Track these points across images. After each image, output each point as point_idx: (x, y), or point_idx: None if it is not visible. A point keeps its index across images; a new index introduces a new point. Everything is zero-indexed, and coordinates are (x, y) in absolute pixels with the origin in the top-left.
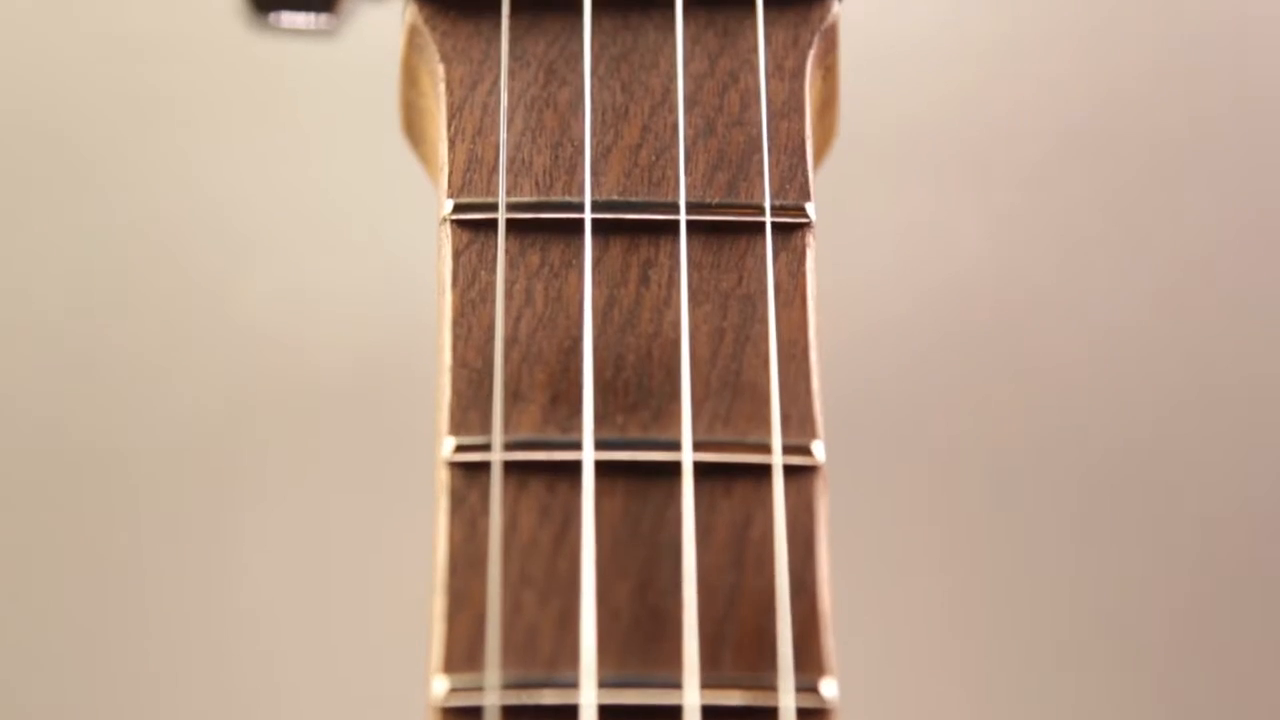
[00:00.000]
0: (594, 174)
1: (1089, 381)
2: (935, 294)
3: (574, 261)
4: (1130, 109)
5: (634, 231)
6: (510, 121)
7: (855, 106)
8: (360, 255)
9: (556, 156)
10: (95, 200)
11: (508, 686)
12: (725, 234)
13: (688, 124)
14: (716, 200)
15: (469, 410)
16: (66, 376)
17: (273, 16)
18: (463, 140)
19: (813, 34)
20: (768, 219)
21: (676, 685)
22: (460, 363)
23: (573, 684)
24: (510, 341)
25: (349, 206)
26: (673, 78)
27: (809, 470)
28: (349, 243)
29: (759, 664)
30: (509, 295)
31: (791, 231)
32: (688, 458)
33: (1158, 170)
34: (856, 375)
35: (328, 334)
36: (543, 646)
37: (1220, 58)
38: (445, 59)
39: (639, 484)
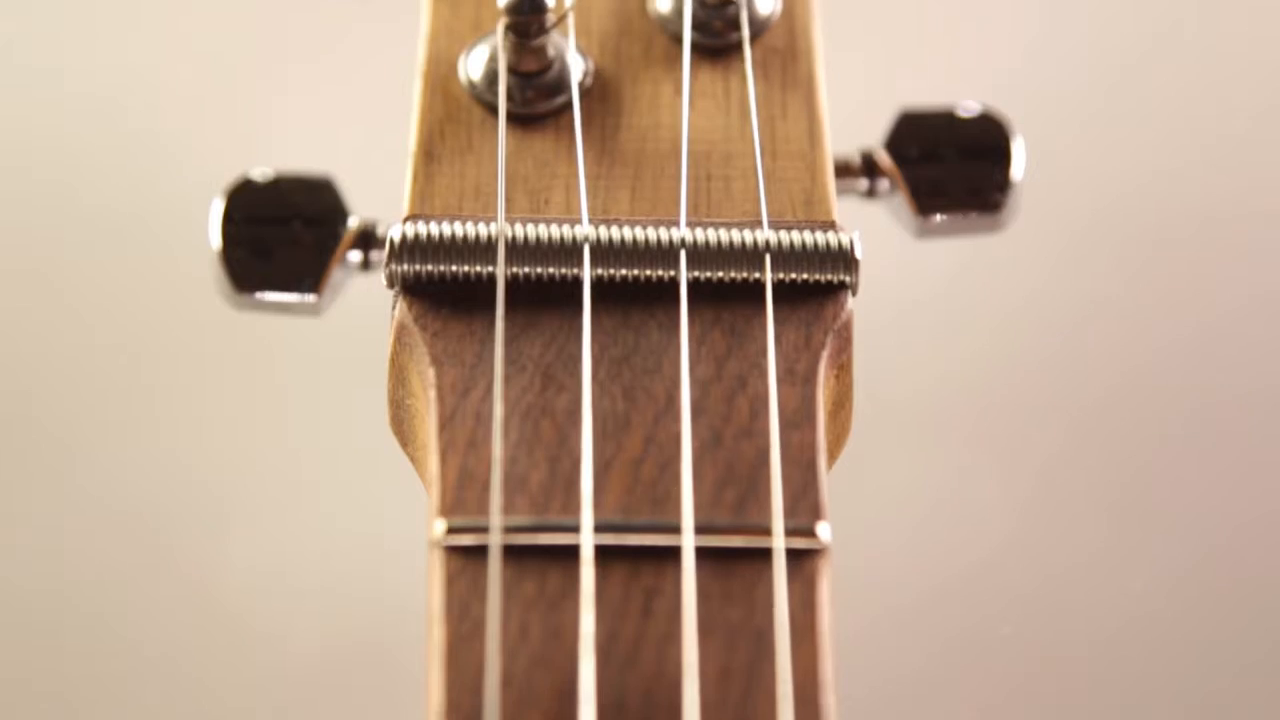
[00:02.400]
0: (594, 491)
1: (1119, 668)
2: (958, 578)
3: (572, 591)
4: (1158, 380)
5: (636, 557)
6: (505, 432)
7: (872, 374)
8: (339, 529)
9: (554, 472)
10: (69, 467)
11: None
12: (733, 560)
13: (694, 434)
14: (724, 522)
15: None
16: (36, 647)
17: (256, 294)
18: (454, 453)
19: (826, 333)
20: (778, 545)
21: None
22: (453, 706)
23: None
24: (504, 682)
25: (329, 478)
26: (677, 383)
27: None
28: (328, 515)
29: None
30: (504, 629)
31: (804, 558)
32: None
33: (1186, 443)
34: (874, 673)
35: (303, 610)
36: None
37: (1244, 326)
38: (436, 362)
39: None
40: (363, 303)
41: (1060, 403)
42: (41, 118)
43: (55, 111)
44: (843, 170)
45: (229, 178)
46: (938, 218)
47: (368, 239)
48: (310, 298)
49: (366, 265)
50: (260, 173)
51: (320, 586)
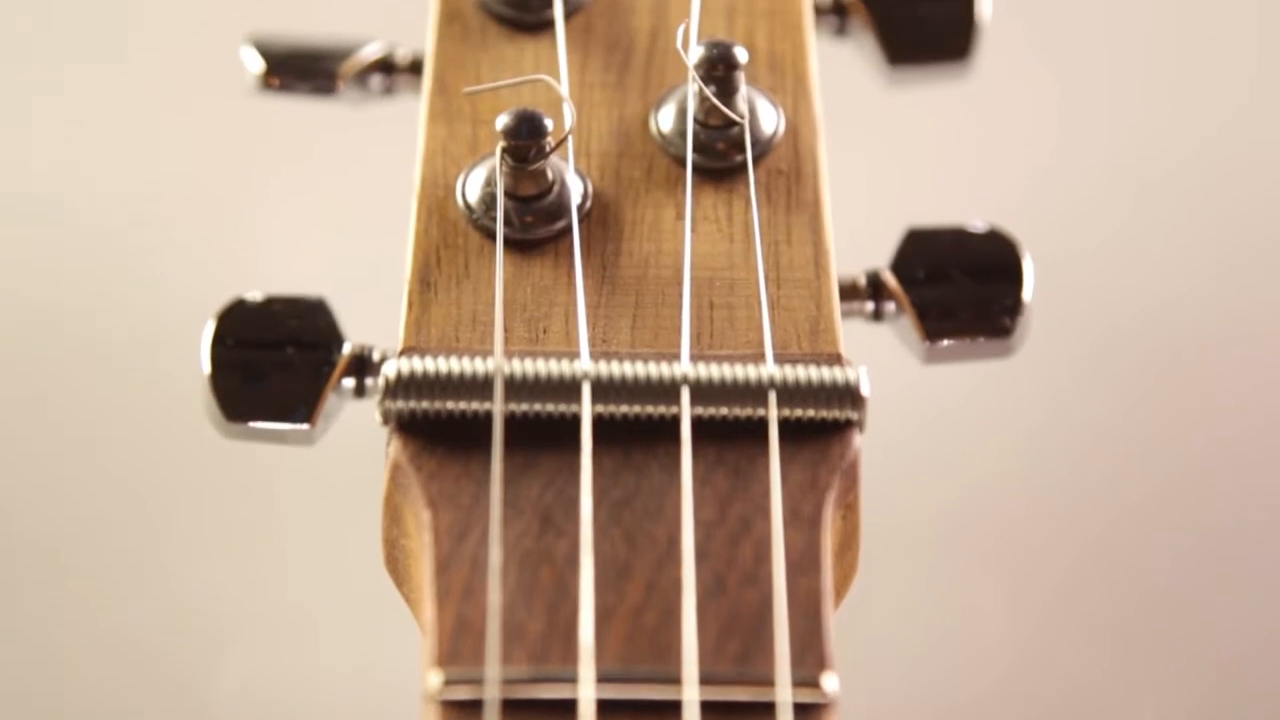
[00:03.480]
0: (594, 641)
1: None
2: (965, 705)
3: None
4: (1166, 506)
5: (637, 710)
6: (503, 578)
7: (876, 497)
8: (334, 658)
9: (552, 621)
10: (65, 591)
11: None
12: (737, 714)
13: (697, 581)
14: (727, 674)
15: None
16: None
17: (248, 423)
18: (450, 601)
19: (832, 473)
20: (783, 699)
21: None
22: None
23: None
24: None
25: (325, 604)
26: (680, 526)
27: None
28: (324, 644)
29: None
30: None
31: (810, 712)
32: None
33: (1196, 569)
34: None
35: None
36: None
37: (1255, 450)
38: (431, 504)
39: None
40: (363, 422)
41: (1068, 529)
42: (37, 243)
43: (51, 237)
44: (848, 292)
45: (223, 299)
46: (945, 343)
47: (363, 365)
48: (303, 426)
49: (361, 392)
50: (253, 295)
51: (313, 716)
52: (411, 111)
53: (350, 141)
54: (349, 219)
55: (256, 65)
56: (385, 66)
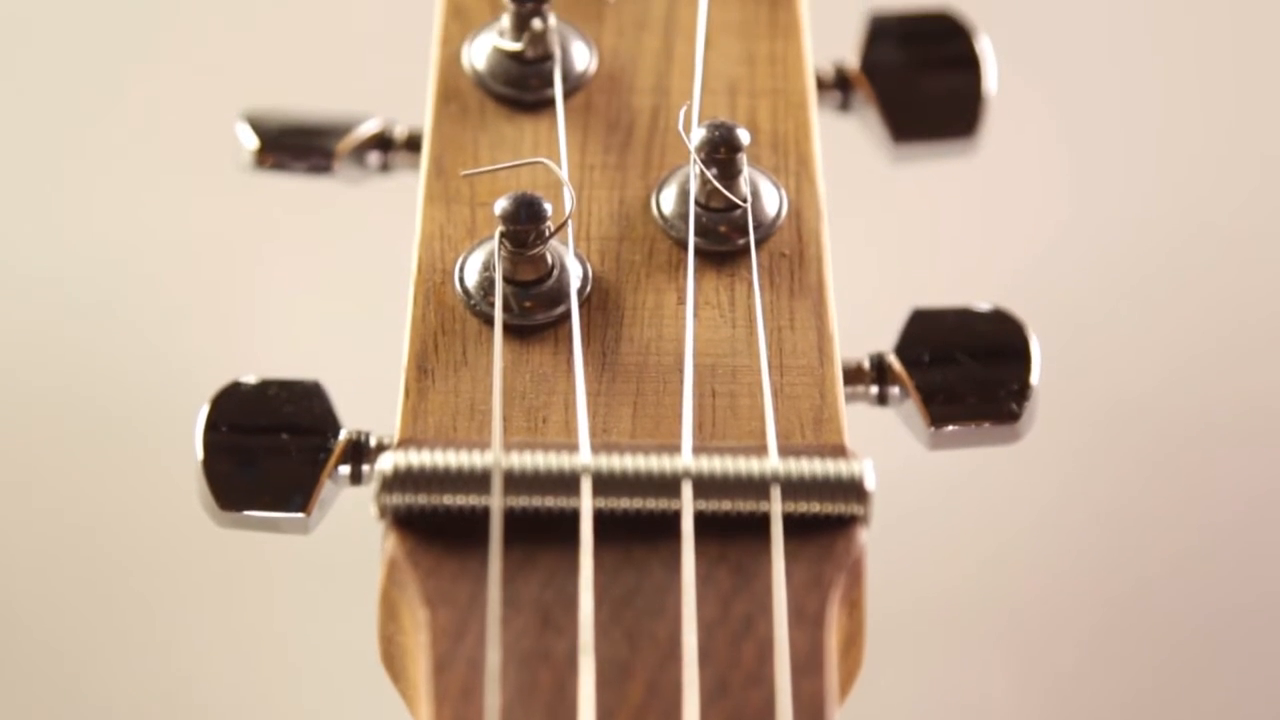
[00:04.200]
0: None
1: None
2: None
3: None
4: (1173, 587)
5: None
6: (501, 679)
7: (882, 578)
8: None
9: None
10: (60, 678)
11: None
12: None
13: (699, 682)
14: None
15: None
16: None
17: (242, 512)
18: (447, 702)
19: (837, 570)
20: None
21: None
22: None
23: None
24: None
25: (320, 695)
26: (681, 625)
27: None
28: None
29: None
30: None
31: None
32: None
33: (1205, 651)
34: None
35: None
36: None
37: (1264, 531)
38: (429, 602)
39: None
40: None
41: (1076, 610)
42: (30, 322)
43: (45, 315)
44: (852, 376)
45: (219, 377)
46: (950, 428)
47: (359, 451)
48: (299, 515)
49: (357, 479)
50: (248, 378)
51: None
52: (410, 186)
53: (347, 216)
54: (346, 295)
55: (250, 143)
56: (382, 143)
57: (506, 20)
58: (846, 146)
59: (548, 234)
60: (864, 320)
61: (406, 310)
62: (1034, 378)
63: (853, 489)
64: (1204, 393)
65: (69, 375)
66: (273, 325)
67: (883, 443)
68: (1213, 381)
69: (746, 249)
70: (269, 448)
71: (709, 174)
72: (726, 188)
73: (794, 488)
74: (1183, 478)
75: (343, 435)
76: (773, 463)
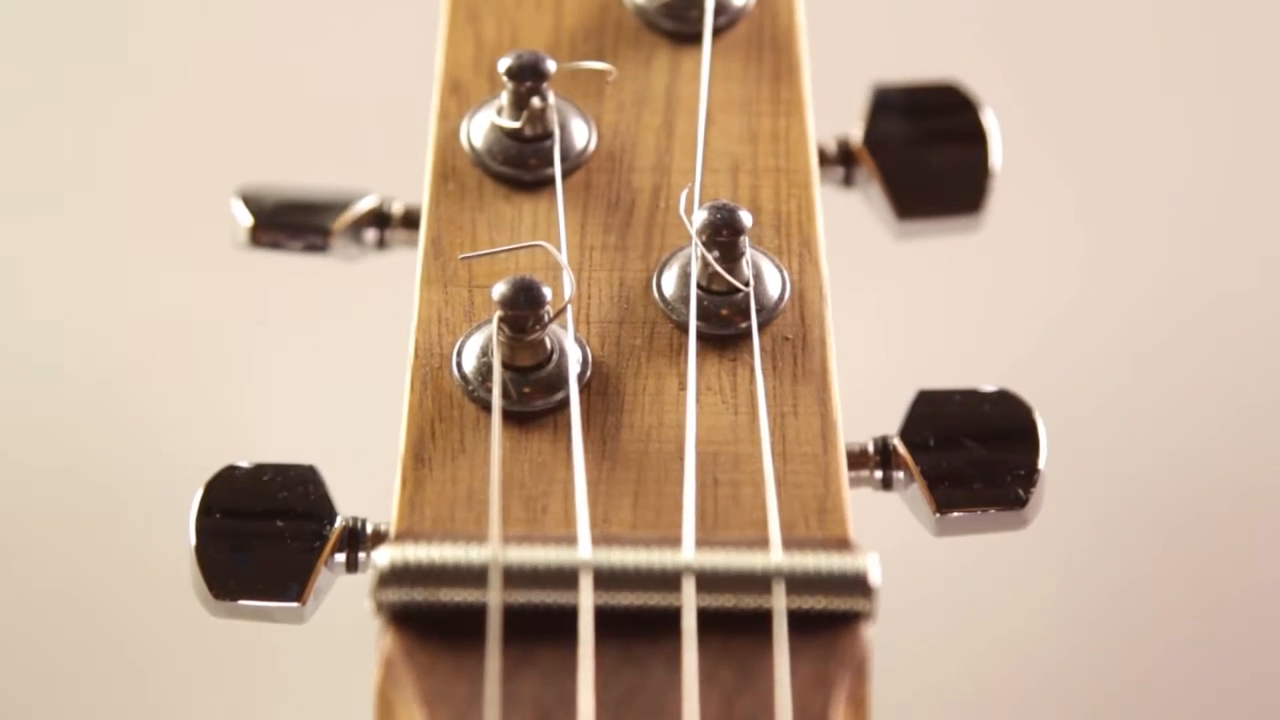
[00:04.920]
0: None
1: None
2: None
3: None
4: (1185, 671)
5: None
6: None
7: (886, 666)
8: None
9: None
10: None
11: None
12: None
13: None
14: None
15: None
16: None
17: (237, 602)
18: None
19: (842, 668)
20: None
21: None
22: None
23: None
24: None
25: None
26: None
27: None
28: None
29: None
30: None
31: None
32: None
33: None
34: None
35: None
36: None
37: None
38: (426, 701)
39: None
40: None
41: (1086, 695)
42: (23, 403)
43: (35, 395)
44: (856, 460)
45: (214, 456)
46: (956, 515)
47: (355, 538)
48: (294, 605)
49: (354, 567)
50: (242, 463)
51: None
52: (408, 261)
53: (345, 292)
54: (344, 372)
55: (246, 220)
56: (379, 219)
57: (505, 98)
58: (848, 220)
59: (547, 319)
60: (868, 397)
61: (403, 396)
62: (1042, 462)
63: (858, 585)
64: (1213, 472)
65: (60, 455)
66: (269, 404)
67: (886, 524)
68: (1222, 460)
69: (749, 333)
70: (264, 535)
71: (710, 257)
72: (729, 271)
73: (798, 584)
74: (1193, 558)
75: (339, 522)
76: (776, 558)
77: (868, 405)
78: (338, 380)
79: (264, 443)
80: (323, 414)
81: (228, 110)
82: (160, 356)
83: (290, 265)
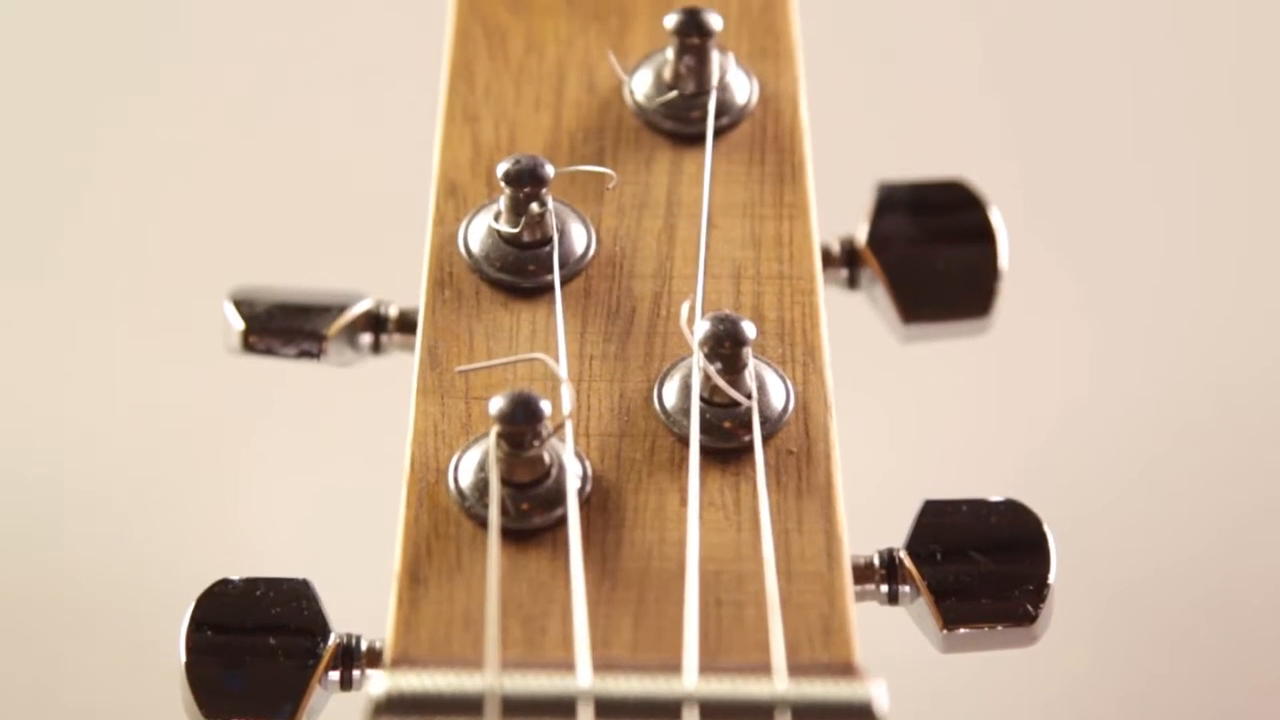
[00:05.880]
0: None
1: None
2: None
3: None
4: None
5: None
6: None
7: None
8: None
9: None
10: None
11: None
12: None
13: None
14: None
15: None
16: None
17: None
18: None
19: None
20: None
21: None
22: None
23: None
24: None
25: None
26: None
27: None
28: None
29: None
30: None
31: None
32: None
33: None
34: None
35: None
36: None
37: None
38: None
39: None
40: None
41: None
42: (20, 514)
43: (33, 507)
44: (862, 575)
45: (204, 573)
46: (964, 630)
47: (350, 656)
48: None
49: (348, 684)
50: (235, 578)
51: None
52: (404, 364)
53: (340, 396)
54: (338, 479)
55: (237, 325)
56: (375, 323)
57: (503, 202)
58: (852, 318)
59: (546, 434)
60: (874, 501)
61: (399, 511)
62: (1052, 575)
63: (864, 714)
64: (1223, 576)
65: (51, 567)
66: (262, 512)
67: (890, 632)
68: (1232, 565)
69: (752, 446)
70: (256, 651)
71: (711, 371)
72: (731, 383)
73: (803, 713)
74: (1202, 664)
75: (332, 639)
76: (780, 687)
77: (873, 509)
78: (333, 486)
79: (258, 551)
80: (318, 523)
81: (223, 207)
82: (151, 465)
83: (286, 366)
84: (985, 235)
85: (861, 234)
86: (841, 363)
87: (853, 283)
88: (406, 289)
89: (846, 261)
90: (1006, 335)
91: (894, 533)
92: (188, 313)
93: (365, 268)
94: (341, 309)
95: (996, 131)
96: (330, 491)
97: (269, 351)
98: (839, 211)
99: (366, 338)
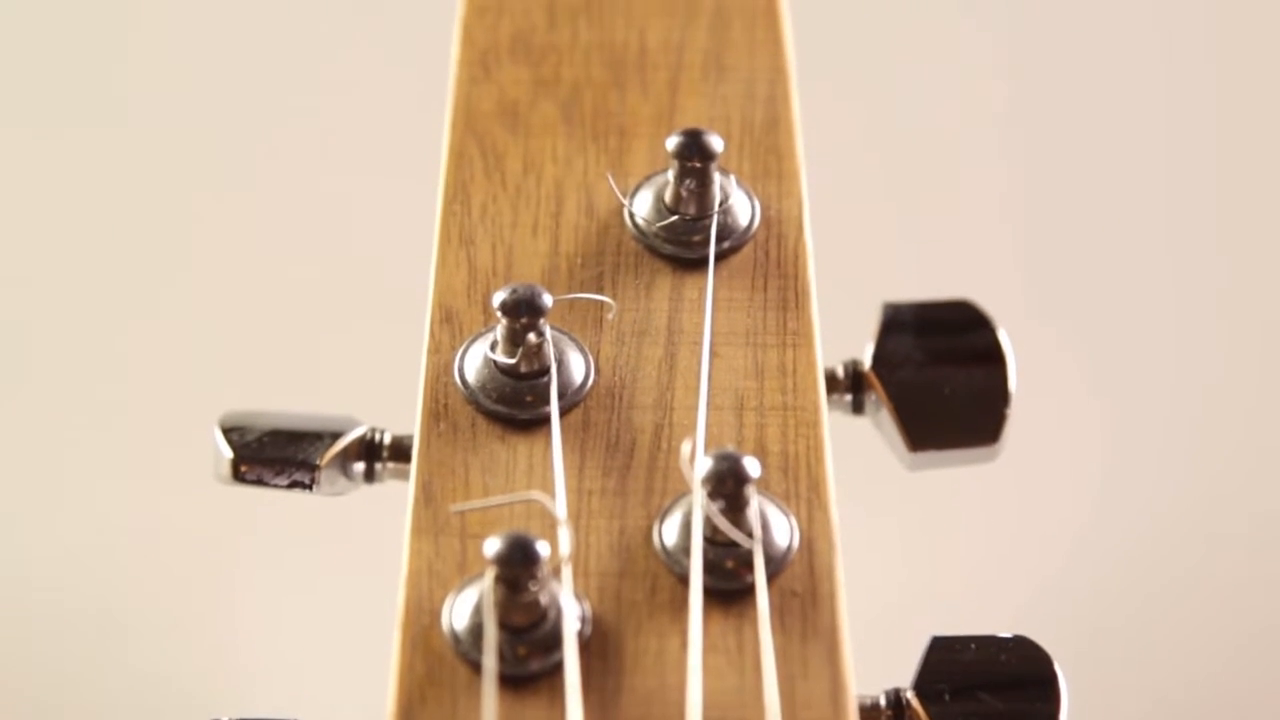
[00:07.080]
0: None
1: None
2: None
3: None
4: None
5: None
6: None
7: None
8: None
9: None
10: None
11: None
12: None
13: None
14: None
15: None
16: None
17: None
18: None
19: None
20: None
21: None
22: None
23: None
24: None
25: None
26: None
27: None
28: None
29: None
30: None
31: None
32: None
33: None
34: None
35: None
36: None
37: None
38: None
39: None
40: None
41: None
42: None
43: (17, 634)
44: (868, 717)
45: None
46: None
47: None
48: None
49: None
50: (226, 718)
51: None
52: (399, 492)
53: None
54: (331, 613)
55: (227, 453)
56: (368, 451)
57: (499, 331)
58: (857, 442)
59: (543, 578)
60: (879, 627)
61: (392, 655)
62: (1063, 715)
63: None
64: (1238, 697)
65: (37, 696)
66: (254, 648)
67: None
68: (1246, 686)
69: (755, 587)
70: None
71: (713, 511)
72: (734, 522)
73: None
74: None
75: None
76: None
77: (879, 634)
78: (325, 617)
79: (248, 687)
80: (310, 657)
81: (211, 330)
82: (142, 600)
83: (278, 494)
84: (994, 357)
85: (867, 356)
86: (845, 485)
87: (858, 408)
88: (402, 405)
89: (851, 386)
90: (1017, 455)
91: (901, 663)
92: (181, 436)
93: (360, 383)
94: (335, 436)
95: (1009, 250)
96: (322, 622)
97: (259, 482)
98: (842, 327)
99: (360, 466)
